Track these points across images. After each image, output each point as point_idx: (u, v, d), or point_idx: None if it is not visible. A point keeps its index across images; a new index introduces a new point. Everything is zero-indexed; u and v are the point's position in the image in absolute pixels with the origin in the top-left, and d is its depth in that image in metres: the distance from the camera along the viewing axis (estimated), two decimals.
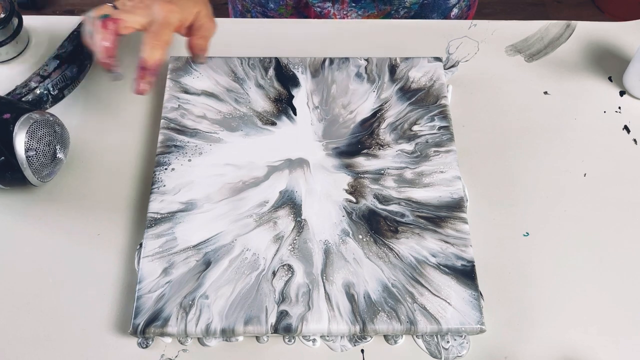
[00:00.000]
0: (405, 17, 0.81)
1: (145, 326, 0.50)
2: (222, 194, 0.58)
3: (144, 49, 0.55)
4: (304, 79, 0.66)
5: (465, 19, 0.86)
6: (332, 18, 0.80)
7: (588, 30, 0.73)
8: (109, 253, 0.56)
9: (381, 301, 0.52)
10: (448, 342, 0.53)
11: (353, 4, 0.79)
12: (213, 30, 0.62)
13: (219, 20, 0.74)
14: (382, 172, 0.60)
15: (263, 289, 0.52)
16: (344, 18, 0.80)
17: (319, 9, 0.80)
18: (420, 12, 0.81)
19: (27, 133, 0.55)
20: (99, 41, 0.55)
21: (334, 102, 0.65)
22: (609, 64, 0.70)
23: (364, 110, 0.64)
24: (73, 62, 0.66)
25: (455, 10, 0.83)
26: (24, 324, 0.53)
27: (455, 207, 0.58)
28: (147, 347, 0.52)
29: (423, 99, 0.65)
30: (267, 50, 0.69)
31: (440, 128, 0.63)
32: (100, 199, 0.60)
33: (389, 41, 0.72)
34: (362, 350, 0.52)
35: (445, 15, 0.82)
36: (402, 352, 0.53)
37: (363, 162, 0.60)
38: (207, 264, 0.54)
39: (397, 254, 0.55)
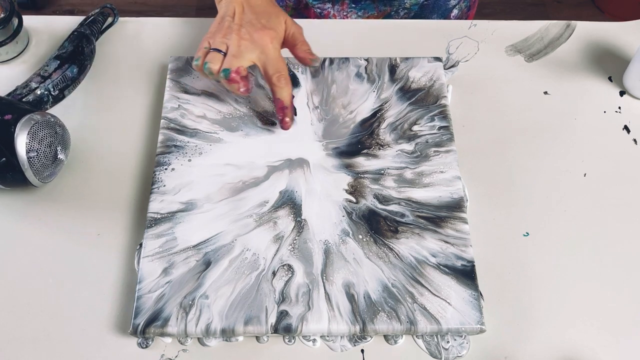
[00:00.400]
0: (405, 18, 0.81)
1: (145, 326, 0.50)
2: (222, 194, 0.58)
3: (275, 91, 0.59)
4: (304, 79, 0.66)
5: (466, 19, 0.86)
6: (332, 19, 0.80)
7: (588, 30, 0.73)
8: (109, 253, 0.57)
9: (381, 301, 0.52)
10: (448, 342, 0.53)
11: (353, 5, 0.79)
12: (302, 30, 0.62)
13: None
14: (382, 172, 0.60)
15: (263, 289, 0.53)
16: (344, 19, 0.80)
17: (318, 10, 0.80)
18: (420, 13, 0.81)
19: (28, 134, 0.55)
20: (236, 92, 0.60)
21: (334, 102, 0.65)
22: (609, 64, 0.70)
23: (364, 110, 0.64)
24: (73, 62, 0.66)
25: (455, 11, 0.83)
26: (24, 324, 0.53)
27: (455, 207, 0.58)
28: (147, 347, 0.52)
29: (423, 99, 0.65)
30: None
31: (440, 128, 0.63)
32: (100, 199, 0.60)
33: (389, 41, 0.72)
34: (362, 350, 0.53)
35: (445, 16, 0.82)
36: (402, 352, 0.53)
37: (363, 162, 0.60)
38: (207, 264, 0.54)
39: (397, 254, 0.55)
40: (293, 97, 0.63)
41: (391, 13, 0.80)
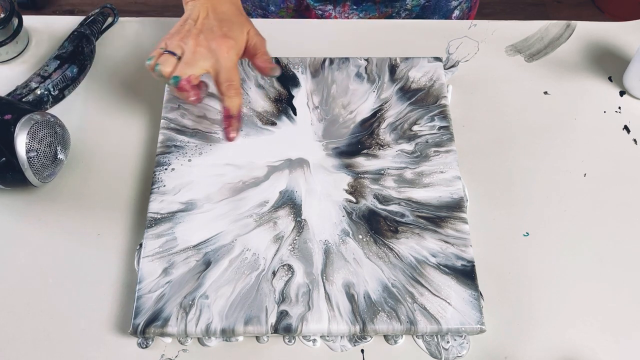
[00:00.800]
0: (407, 19, 0.80)
1: (145, 326, 0.50)
2: (222, 194, 0.58)
3: (224, 100, 0.58)
4: (304, 79, 0.66)
5: (467, 20, 0.86)
6: (332, 19, 0.80)
7: (588, 30, 0.73)
8: (109, 253, 0.56)
9: (381, 301, 0.52)
10: (448, 342, 0.53)
11: (354, 7, 0.79)
12: (264, 42, 0.61)
13: None
14: (382, 172, 0.60)
15: (263, 289, 0.52)
16: (348, 19, 0.80)
17: (320, 12, 0.80)
18: (422, 14, 0.81)
19: (28, 134, 0.55)
20: (186, 100, 0.59)
21: (334, 102, 0.65)
22: (609, 64, 0.70)
23: (364, 110, 0.64)
24: (73, 62, 0.66)
25: (456, 12, 0.83)
26: (24, 324, 0.53)
27: (455, 207, 0.58)
28: (147, 347, 0.52)
29: (423, 99, 0.65)
30: (268, 50, 0.69)
31: (440, 128, 0.63)
32: (100, 199, 0.60)
33: (389, 41, 0.72)
34: (362, 350, 0.53)
35: (447, 17, 0.82)
36: (402, 352, 0.53)
37: (363, 162, 0.60)
38: (207, 264, 0.54)
39: (397, 254, 0.55)
40: (242, 111, 0.61)
41: (392, 14, 0.80)
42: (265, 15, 0.83)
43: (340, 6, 0.79)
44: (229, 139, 0.61)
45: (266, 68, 0.61)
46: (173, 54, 0.56)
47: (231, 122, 0.60)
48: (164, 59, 0.56)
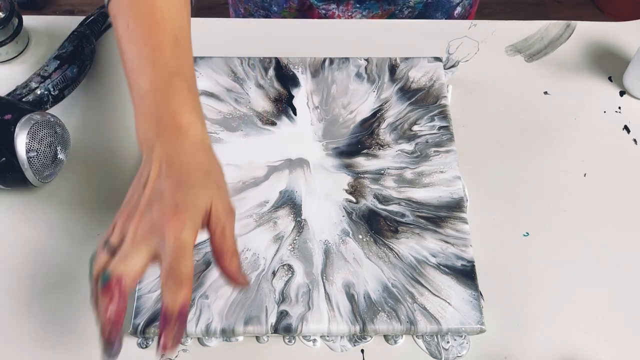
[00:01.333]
0: (410, 17, 0.81)
1: (145, 326, 0.50)
2: None
3: (163, 293, 0.41)
4: (304, 79, 0.66)
5: (468, 16, 0.86)
6: (331, 19, 0.80)
7: (588, 30, 0.73)
8: None
9: (381, 301, 0.52)
10: (448, 342, 0.53)
11: (357, 5, 0.79)
12: (233, 218, 0.45)
13: (218, 20, 0.74)
14: (382, 172, 0.60)
15: (263, 289, 0.52)
16: (348, 19, 0.80)
17: (323, 11, 0.80)
18: (425, 12, 0.81)
19: (28, 134, 0.55)
20: (103, 311, 0.41)
21: (334, 102, 0.65)
22: (609, 64, 0.70)
23: (364, 110, 0.64)
24: (73, 62, 0.66)
25: (458, 9, 0.83)
26: (24, 324, 0.53)
27: (455, 207, 0.58)
28: (147, 347, 0.52)
29: (423, 99, 0.65)
30: (267, 50, 0.69)
31: (440, 128, 0.63)
32: (100, 199, 0.60)
33: (389, 41, 0.72)
34: (362, 350, 0.52)
35: (449, 14, 0.82)
36: (402, 352, 0.53)
37: (363, 162, 0.60)
38: (207, 264, 0.54)
39: (397, 254, 0.55)
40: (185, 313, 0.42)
41: (395, 12, 0.80)
42: (267, 15, 0.83)
43: (344, 5, 0.79)
44: (163, 349, 0.41)
45: (233, 277, 0.44)
46: (111, 250, 0.43)
47: (166, 324, 0.41)
48: (100, 259, 0.43)
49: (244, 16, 0.86)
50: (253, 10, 0.84)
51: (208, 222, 0.43)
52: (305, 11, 0.82)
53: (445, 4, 0.81)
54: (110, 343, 0.41)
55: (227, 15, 0.92)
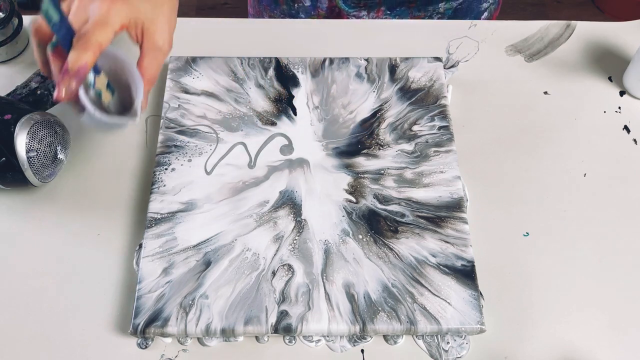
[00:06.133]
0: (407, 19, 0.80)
1: (145, 326, 0.50)
2: (222, 194, 0.58)
3: (71, 51, 0.46)
4: (304, 79, 0.66)
5: (492, 19, 0.86)
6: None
7: (588, 30, 0.73)
8: (109, 253, 0.56)
9: (381, 301, 0.52)
10: (448, 342, 0.53)
11: (388, 12, 0.78)
12: (162, 54, 0.52)
13: (218, 20, 0.74)
14: (382, 172, 0.60)
15: (263, 289, 0.52)
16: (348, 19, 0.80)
17: (354, 18, 0.79)
18: (454, 18, 0.81)
19: (28, 134, 0.55)
20: (57, 73, 0.47)
21: (334, 102, 0.65)
22: (609, 64, 0.70)
23: (364, 110, 0.64)
24: None
25: (485, 14, 0.83)
26: (24, 324, 0.53)
27: (455, 207, 0.58)
28: (146, 347, 0.52)
29: (423, 99, 0.65)
30: (267, 50, 0.69)
31: (440, 128, 0.63)
32: (100, 199, 0.60)
33: (389, 41, 0.72)
34: (362, 350, 0.53)
35: (477, 19, 0.83)
36: (402, 352, 0.53)
37: (363, 162, 0.60)
38: (207, 264, 0.54)
39: (397, 254, 0.55)
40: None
41: (425, 18, 0.79)
42: None
43: (375, 12, 0.78)
44: (57, 98, 0.47)
45: (143, 74, 0.52)
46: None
47: (65, 76, 0.46)
48: (41, 22, 0.48)
49: None
50: (279, 17, 0.83)
51: (142, 41, 0.51)
52: (334, 18, 0.81)
53: (474, 10, 0.81)
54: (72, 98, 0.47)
55: (228, 16, 0.91)
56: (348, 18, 0.80)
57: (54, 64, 0.47)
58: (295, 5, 0.80)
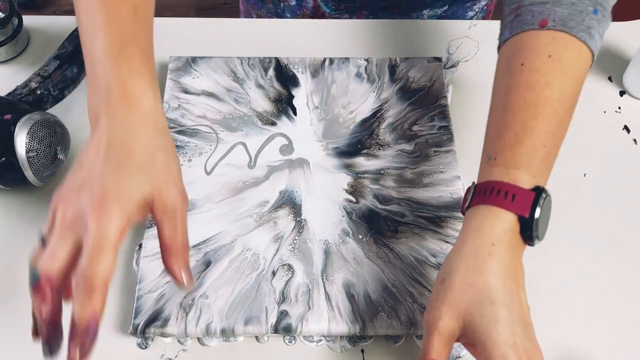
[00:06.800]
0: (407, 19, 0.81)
1: (145, 326, 0.50)
2: (222, 194, 0.58)
3: (73, 303, 0.37)
4: (304, 79, 0.66)
5: None
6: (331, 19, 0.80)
7: None
8: None
9: (381, 301, 0.52)
10: None
11: (370, 17, 0.78)
12: (186, 205, 0.42)
13: (218, 20, 0.74)
14: (382, 172, 0.60)
15: (263, 289, 0.52)
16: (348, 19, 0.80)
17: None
18: None
19: (28, 134, 0.55)
20: (37, 312, 0.38)
21: (334, 102, 0.65)
22: (609, 64, 0.70)
23: (364, 110, 0.64)
24: (73, 62, 0.66)
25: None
26: (24, 324, 0.53)
27: (455, 207, 0.58)
28: (146, 347, 0.52)
29: (423, 99, 0.65)
30: (267, 50, 0.69)
31: (440, 128, 0.63)
32: None
33: (389, 41, 0.72)
34: (362, 350, 0.52)
35: None
36: (402, 352, 0.52)
37: (363, 162, 0.60)
38: (207, 264, 0.54)
39: (397, 254, 0.55)
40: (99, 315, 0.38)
41: None
42: None
43: (356, 16, 0.78)
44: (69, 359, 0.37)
45: (177, 277, 0.41)
46: (43, 242, 0.39)
47: (74, 337, 0.37)
48: (35, 256, 0.39)
49: None
50: (266, 16, 0.83)
51: (153, 213, 0.40)
52: (318, 18, 0.82)
53: (459, 18, 0.81)
54: (49, 344, 0.38)
55: (228, 16, 0.92)
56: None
57: (34, 302, 0.38)
58: (281, 4, 0.80)
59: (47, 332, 0.38)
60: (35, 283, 0.37)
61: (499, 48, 0.51)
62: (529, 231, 0.43)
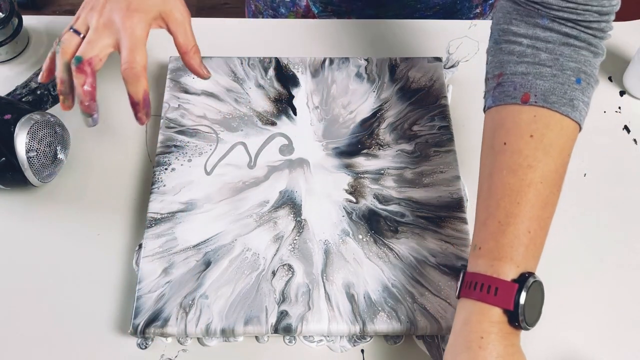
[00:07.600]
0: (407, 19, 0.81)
1: (145, 326, 0.50)
2: (222, 194, 0.58)
3: (127, 85, 0.51)
4: (304, 79, 0.66)
5: None
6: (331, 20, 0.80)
7: None
8: (108, 253, 0.56)
9: (381, 301, 0.52)
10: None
11: (357, 19, 0.79)
12: (186, 24, 0.55)
13: (218, 20, 0.74)
14: (382, 172, 0.60)
15: (263, 289, 0.52)
16: (348, 19, 0.80)
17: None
18: None
19: (28, 134, 0.55)
20: (79, 86, 0.51)
21: (334, 102, 0.65)
22: (609, 64, 0.70)
23: (364, 110, 0.64)
24: None
25: None
26: (24, 324, 0.53)
27: (455, 207, 0.58)
28: (146, 347, 0.52)
29: (423, 99, 0.65)
30: (267, 50, 0.69)
31: (440, 128, 0.63)
32: (100, 199, 0.60)
33: (389, 41, 0.72)
34: (362, 350, 0.52)
35: None
36: (402, 352, 0.52)
37: (363, 162, 0.60)
38: (207, 264, 0.54)
39: (397, 254, 0.55)
40: (147, 93, 0.53)
41: None
42: (275, 16, 0.83)
43: (344, 19, 0.78)
44: (140, 124, 0.54)
45: (197, 70, 0.56)
46: (77, 32, 0.52)
47: (138, 108, 0.52)
48: (66, 38, 0.52)
49: (254, 13, 0.87)
50: (263, 8, 0.84)
51: (168, 26, 0.54)
52: (310, 18, 0.82)
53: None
54: (90, 111, 0.53)
55: (228, 16, 0.92)
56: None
57: (77, 79, 0.51)
58: None
59: (89, 102, 0.52)
60: (79, 65, 0.50)
61: (484, 110, 0.52)
62: (516, 321, 0.44)
